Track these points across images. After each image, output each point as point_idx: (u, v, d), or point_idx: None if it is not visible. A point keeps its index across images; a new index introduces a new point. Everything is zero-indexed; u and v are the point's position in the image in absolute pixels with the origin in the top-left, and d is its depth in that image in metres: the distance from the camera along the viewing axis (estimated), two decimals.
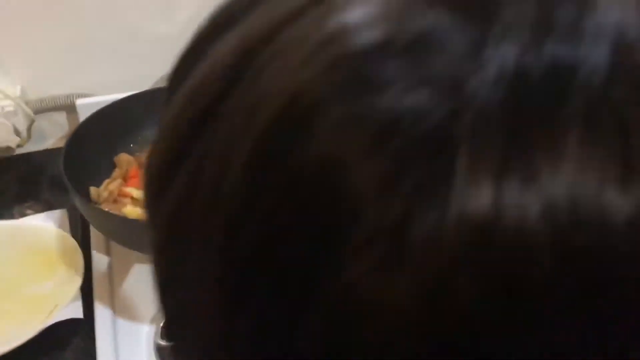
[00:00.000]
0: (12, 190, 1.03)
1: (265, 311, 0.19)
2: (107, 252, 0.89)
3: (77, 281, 0.83)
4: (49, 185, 1.03)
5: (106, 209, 0.87)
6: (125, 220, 0.82)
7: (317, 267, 0.18)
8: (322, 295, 0.18)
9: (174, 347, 0.26)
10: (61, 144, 1.04)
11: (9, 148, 1.07)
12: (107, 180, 0.93)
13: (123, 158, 0.96)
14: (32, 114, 1.05)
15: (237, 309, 0.20)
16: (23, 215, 0.97)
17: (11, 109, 1.02)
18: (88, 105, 1.02)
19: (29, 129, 1.08)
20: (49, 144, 1.12)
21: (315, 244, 0.18)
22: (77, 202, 0.82)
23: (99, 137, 0.94)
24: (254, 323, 0.20)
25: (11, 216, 0.97)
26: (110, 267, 0.88)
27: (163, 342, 0.63)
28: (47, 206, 0.98)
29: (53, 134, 1.12)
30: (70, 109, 1.08)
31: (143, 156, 0.97)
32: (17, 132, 1.05)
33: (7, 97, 1.01)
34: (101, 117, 0.94)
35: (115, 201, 0.89)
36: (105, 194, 0.89)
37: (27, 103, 1.04)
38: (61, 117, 1.11)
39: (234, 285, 0.20)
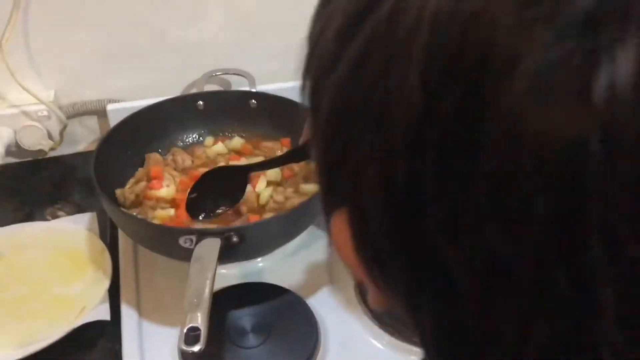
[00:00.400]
0: (44, 192, 1.05)
1: (449, 134, 0.23)
2: (135, 256, 0.91)
3: (105, 283, 0.85)
4: (80, 187, 1.05)
5: (134, 213, 0.88)
6: (152, 226, 0.83)
7: (499, 90, 0.21)
8: (498, 117, 0.21)
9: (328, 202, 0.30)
10: (92, 147, 1.07)
11: (42, 151, 1.10)
12: (131, 180, 0.94)
13: (152, 157, 0.97)
14: (64, 119, 1.08)
15: (429, 119, 0.23)
16: (55, 216, 0.99)
17: (45, 113, 1.05)
18: (118, 110, 1.04)
19: (61, 133, 1.10)
20: (81, 148, 1.15)
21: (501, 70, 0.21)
22: (106, 206, 0.84)
23: (128, 142, 0.96)
24: (442, 137, 0.23)
25: (43, 217, 0.99)
26: (137, 270, 0.89)
27: (186, 347, 0.64)
28: (78, 208, 1.00)
29: (84, 137, 1.15)
30: (101, 113, 1.10)
31: (170, 160, 0.98)
32: (50, 136, 1.08)
33: (41, 102, 1.03)
34: (131, 122, 0.95)
35: (141, 203, 0.91)
36: (132, 197, 0.91)
37: (60, 108, 1.07)
38: (92, 122, 1.13)
39: (433, 90, 0.23)
